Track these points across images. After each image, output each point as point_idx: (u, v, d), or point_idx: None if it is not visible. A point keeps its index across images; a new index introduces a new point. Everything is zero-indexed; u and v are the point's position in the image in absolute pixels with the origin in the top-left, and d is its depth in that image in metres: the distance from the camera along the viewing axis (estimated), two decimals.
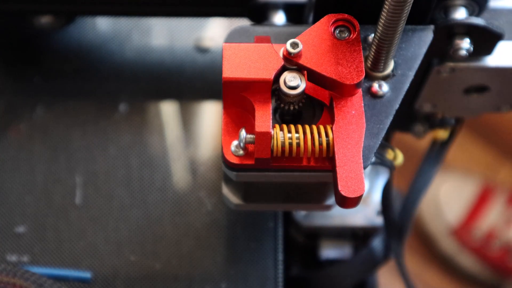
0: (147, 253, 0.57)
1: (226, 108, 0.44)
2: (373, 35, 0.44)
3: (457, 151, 1.24)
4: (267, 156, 0.41)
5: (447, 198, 1.28)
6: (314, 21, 0.44)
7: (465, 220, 1.26)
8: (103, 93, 0.63)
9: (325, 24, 0.44)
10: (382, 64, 0.44)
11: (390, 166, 0.52)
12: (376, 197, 0.66)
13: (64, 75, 0.63)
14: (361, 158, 0.41)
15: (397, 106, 0.45)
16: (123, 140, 0.61)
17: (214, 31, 0.66)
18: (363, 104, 0.43)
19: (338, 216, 0.65)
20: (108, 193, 0.59)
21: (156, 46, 0.65)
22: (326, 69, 0.42)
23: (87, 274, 0.55)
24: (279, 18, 0.54)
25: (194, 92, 0.63)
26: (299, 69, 0.43)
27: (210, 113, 0.63)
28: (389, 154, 0.51)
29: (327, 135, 0.42)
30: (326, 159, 0.42)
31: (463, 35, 0.48)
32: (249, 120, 0.43)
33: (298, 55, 0.42)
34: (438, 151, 0.64)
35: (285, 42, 0.42)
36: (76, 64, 0.64)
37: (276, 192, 0.49)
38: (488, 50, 0.51)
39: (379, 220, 0.65)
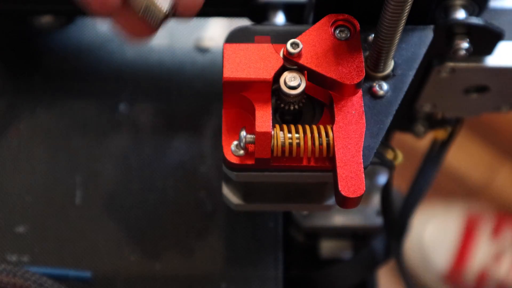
0: (147, 253, 0.57)
1: (226, 108, 0.44)
2: (373, 35, 0.44)
3: (457, 151, 1.24)
4: (267, 156, 0.41)
5: (432, 243, 1.24)
6: (314, 21, 0.44)
7: (455, 263, 1.23)
8: (103, 93, 0.63)
9: (325, 24, 0.44)
10: (382, 64, 0.44)
11: (390, 166, 0.52)
12: (376, 197, 0.66)
13: (64, 75, 0.63)
14: (361, 158, 0.41)
15: (397, 106, 0.45)
16: (123, 140, 0.61)
17: (214, 31, 0.66)
18: (363, 104, 0.43)
19: (338, 216, 0.65)
20: (108, 193, 0.59)
21: (156, 46, 0.65)
22: (326, 69, 0.42)
23: (87, 274, 0.55)
24: (279, 18, 0.54)
25: (194, 92, 0.63)
26: (299, 69, 0.43)
27: (210, 113, 0.63)
28: (389, 154, 0.52)
29: (327, 135, 0.42)
30: (326, 159, 0.42)
31: (463, 35, 0.48)
32: (249, 120, 0.43)
33: (298, 55, 0.42)
34: (438, 151, 0.64)
35: (285, 42, 0.42)
36: (76, 64, 0.64)
37: (276, 192, 0.49)
38: (488, 50, 0.51)
39: (379, 220, 0.66)
